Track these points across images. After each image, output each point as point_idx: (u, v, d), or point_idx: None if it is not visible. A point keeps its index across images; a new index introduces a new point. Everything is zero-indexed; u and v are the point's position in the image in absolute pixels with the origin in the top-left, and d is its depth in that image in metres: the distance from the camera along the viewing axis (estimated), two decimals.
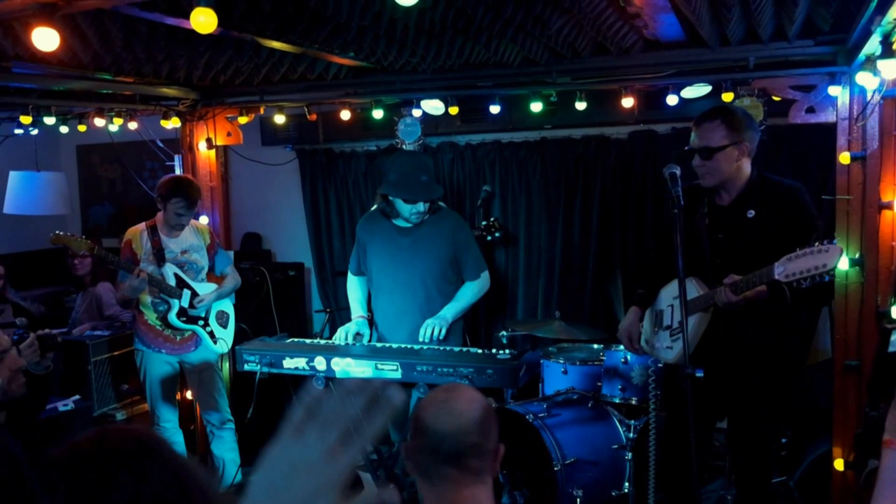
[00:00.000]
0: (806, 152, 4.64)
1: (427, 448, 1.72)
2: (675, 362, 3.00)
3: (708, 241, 2.98)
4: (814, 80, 3.69)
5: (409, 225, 3.75)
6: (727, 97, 3.88)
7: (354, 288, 3.98)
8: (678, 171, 2.79)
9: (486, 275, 3.84)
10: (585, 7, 3.07)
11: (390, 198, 3.71)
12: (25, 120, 4.58)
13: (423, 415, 1.76)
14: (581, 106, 4.30)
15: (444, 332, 3.61)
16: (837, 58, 3.47)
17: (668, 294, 3.16)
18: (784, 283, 2.62)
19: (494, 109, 4.49)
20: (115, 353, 4.79)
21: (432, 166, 3.81)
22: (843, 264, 3.45)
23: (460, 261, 3.77)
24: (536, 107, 4.41)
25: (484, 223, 5.06)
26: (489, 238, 5.08)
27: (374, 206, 3.96)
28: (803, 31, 3.43)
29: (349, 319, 3.94)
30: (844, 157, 3.49)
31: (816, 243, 2.55)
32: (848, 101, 3.52)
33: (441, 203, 3.91)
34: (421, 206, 3.65)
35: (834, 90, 3.57)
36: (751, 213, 2.94)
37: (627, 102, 4.23)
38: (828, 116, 3.67)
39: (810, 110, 3.71)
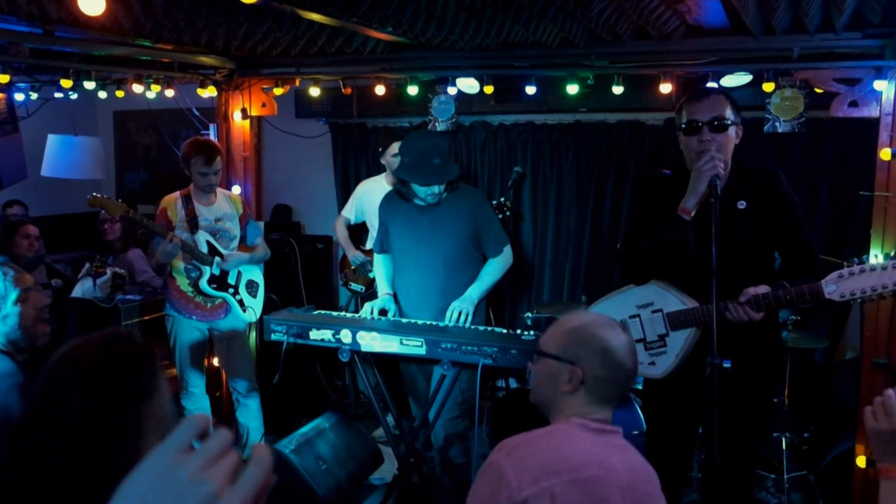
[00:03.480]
0: (845, 146, 4.57)
1: (619, 381, 1.86)
2: (664, 376, 2.67)
3: (692, 239, 2.56)
4: (859, 74, 3.62)
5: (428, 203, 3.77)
6: (768, 87, 3.83)
7: (380, 266, 4.00)
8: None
9: (508, 249, 3.80)
10: None
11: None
12: (66, 84, 4.63)
13: (618, 350, 1.84)
14: (618, 90, 4.26)
15: (470, 316, 3.61)
16: (885, 51, 3.41)
17: (630, 301, 2.74)
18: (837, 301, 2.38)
19: (530, 90, 4.46)
20: (146, 317, 4.86)
21: (447, 147, 3.78)
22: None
23: (481, 237, 3.75)
24: (573, 89, 4.38)
25: (495, 202, 4.89)
26: (500, 216, 5.01)
27: (391, 189, 3.98)
28: (851, 23, 3.36)
29: (374, 294, 3.97)
30: (885, 154, 3.44)
31: (874, 258, 2.36)
32: (893, 97, 3.47)
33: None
34: (436, 188, 3.62)
35: (879, 84, 3.50)
36: (742, 205, 2.57)
37: (665, 88, 4.18)
38: (871, 111, 3.61)
39: (853, 104, 3.65)
